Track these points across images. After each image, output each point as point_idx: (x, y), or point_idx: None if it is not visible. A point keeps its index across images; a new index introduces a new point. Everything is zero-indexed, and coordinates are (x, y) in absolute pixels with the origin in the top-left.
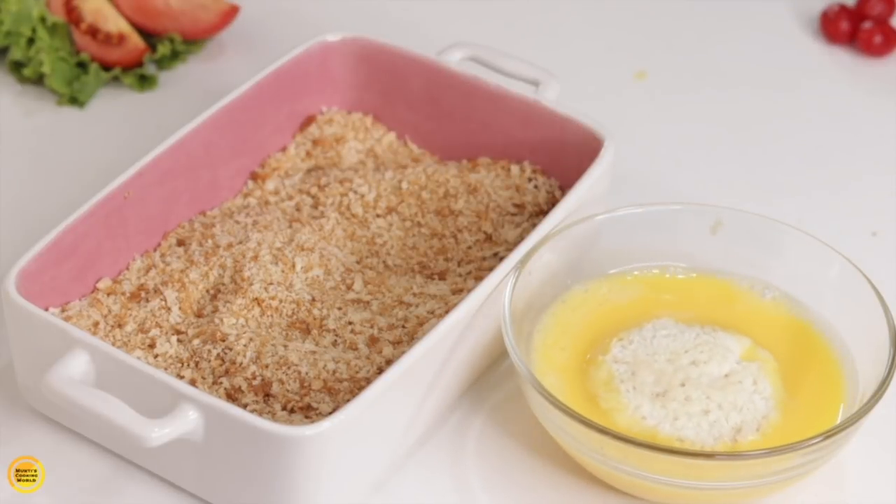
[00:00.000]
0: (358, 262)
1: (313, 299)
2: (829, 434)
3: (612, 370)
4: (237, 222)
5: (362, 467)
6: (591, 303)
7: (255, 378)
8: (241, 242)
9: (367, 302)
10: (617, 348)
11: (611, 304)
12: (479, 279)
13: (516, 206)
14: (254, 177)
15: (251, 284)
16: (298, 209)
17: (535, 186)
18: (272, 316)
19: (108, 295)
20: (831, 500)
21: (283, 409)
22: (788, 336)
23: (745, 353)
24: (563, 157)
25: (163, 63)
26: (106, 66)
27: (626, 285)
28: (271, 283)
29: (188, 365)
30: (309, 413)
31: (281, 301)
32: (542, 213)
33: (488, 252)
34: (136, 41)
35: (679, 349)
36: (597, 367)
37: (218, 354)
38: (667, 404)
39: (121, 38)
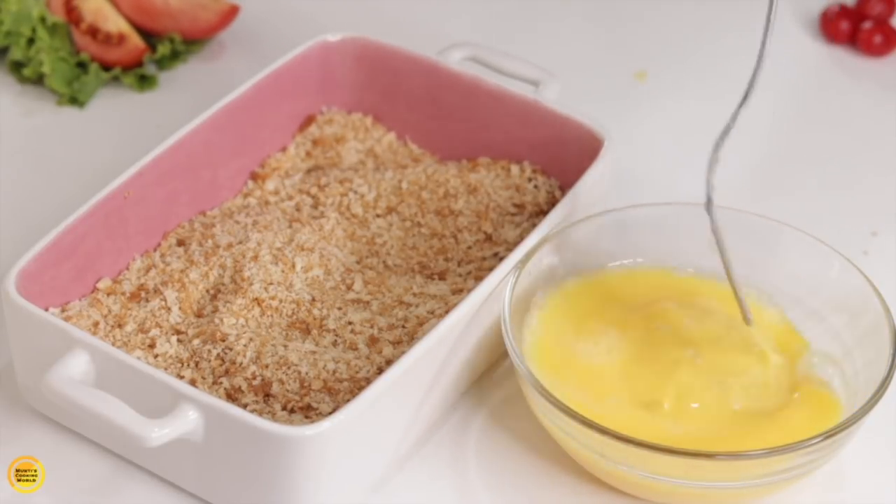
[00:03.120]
0: (358, 262)
1: (313, 299)
2: (829, 434)
3: None
4: (237, 222)
5: (362, 467)
6: (584, 297)
7: (255, 378)
8: (241, 242)
9: (367, 302)
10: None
11: (602, 299)
12: (479, 279)
13: (516, 206)
14: (254, 177)
15: (251, 284)
16: (298, 209)
17: (535, 186)
18: (272, 316)
19: (108, 295)
20: (831, 500)
21: (283, 409)
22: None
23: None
24: (563, 157)
25: (163, 63)
26: (106, 66)
27: (621, 281)
28: (271, 283)
29: (188, 365)
30: (309, 413)
31: (281, 301)
32: (542, 213)
33: (488, 252)
34: (136, 41)
35: None
36: None
37: (218, 354)
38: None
39: (121, 38)
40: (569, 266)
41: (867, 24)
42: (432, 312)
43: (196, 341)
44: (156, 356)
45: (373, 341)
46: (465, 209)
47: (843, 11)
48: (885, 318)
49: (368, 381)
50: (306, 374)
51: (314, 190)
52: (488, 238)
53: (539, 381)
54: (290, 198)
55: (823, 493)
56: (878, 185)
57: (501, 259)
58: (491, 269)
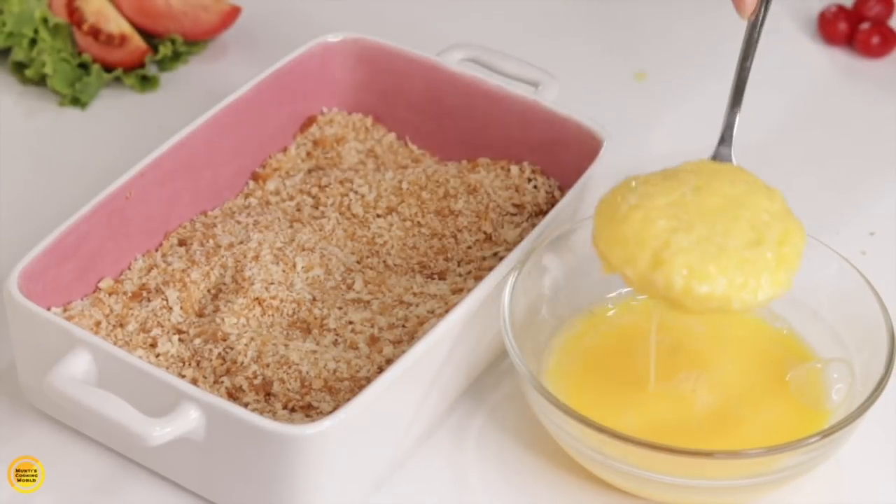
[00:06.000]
0: (358, 262)
1: (314, 299)
2: (828, 433)
3: None
4: (238, 222)
5: (363, 466)
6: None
7: (256, 377)
8: (242, 242)
9: (368, 301)
10: None
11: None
12: (479, 279)
13: (516, 206)
14: (255, 177)
15: (252, 284)
16: (299, 209)
17: (535, 186)
18: (273, 315)
19: (110, 295)
20: (830, 498)
21: (284, 408)
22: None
23: None
24: (562, 157)
25: (164, 64)
26: (108, 67)
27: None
28: (272, 283)
29: (189, 364)
30: (310, 412)
31: (282, 301)
32: (541, 213)
33: (488, 252)
34: (137, 42)
35: None
36: None
37: (219, 354)
38: None
39: (122, 39)
40: (569, 267)
41: (865, 26)
42: (432, 312)
43: (197, 341)
44: (157, 355)
45: (373, 341)
46: (465, 209)
47: (841, 12)
48: (883, 318)
49: (369, 380)
50: (307, 373)
51: (315, 190)
52: (488, 238)
53: (538, 381)
54: (291, 198)
55: (822, 492)
56: (876, 185)
57: (501, 259)
58: (491, 269)
